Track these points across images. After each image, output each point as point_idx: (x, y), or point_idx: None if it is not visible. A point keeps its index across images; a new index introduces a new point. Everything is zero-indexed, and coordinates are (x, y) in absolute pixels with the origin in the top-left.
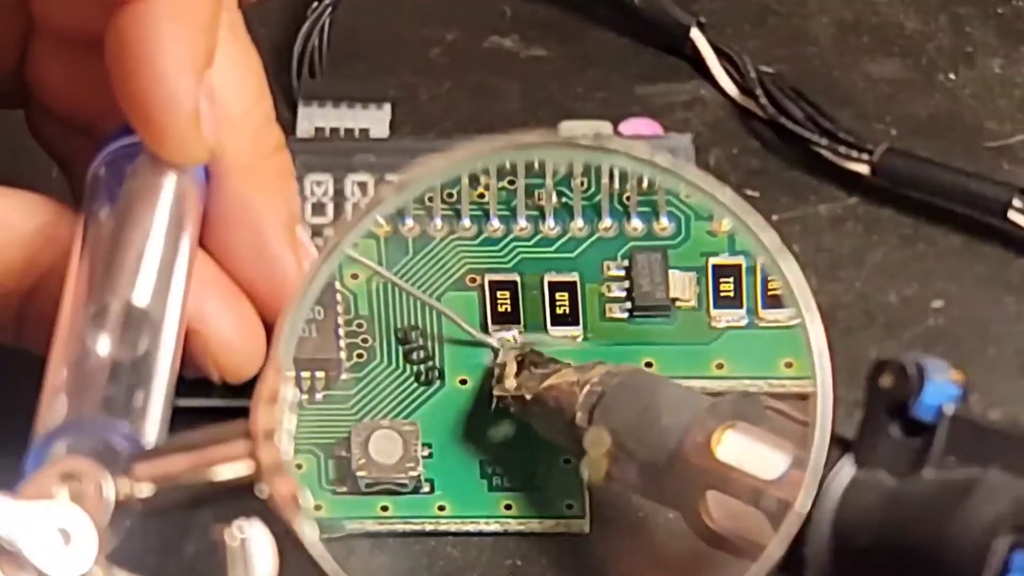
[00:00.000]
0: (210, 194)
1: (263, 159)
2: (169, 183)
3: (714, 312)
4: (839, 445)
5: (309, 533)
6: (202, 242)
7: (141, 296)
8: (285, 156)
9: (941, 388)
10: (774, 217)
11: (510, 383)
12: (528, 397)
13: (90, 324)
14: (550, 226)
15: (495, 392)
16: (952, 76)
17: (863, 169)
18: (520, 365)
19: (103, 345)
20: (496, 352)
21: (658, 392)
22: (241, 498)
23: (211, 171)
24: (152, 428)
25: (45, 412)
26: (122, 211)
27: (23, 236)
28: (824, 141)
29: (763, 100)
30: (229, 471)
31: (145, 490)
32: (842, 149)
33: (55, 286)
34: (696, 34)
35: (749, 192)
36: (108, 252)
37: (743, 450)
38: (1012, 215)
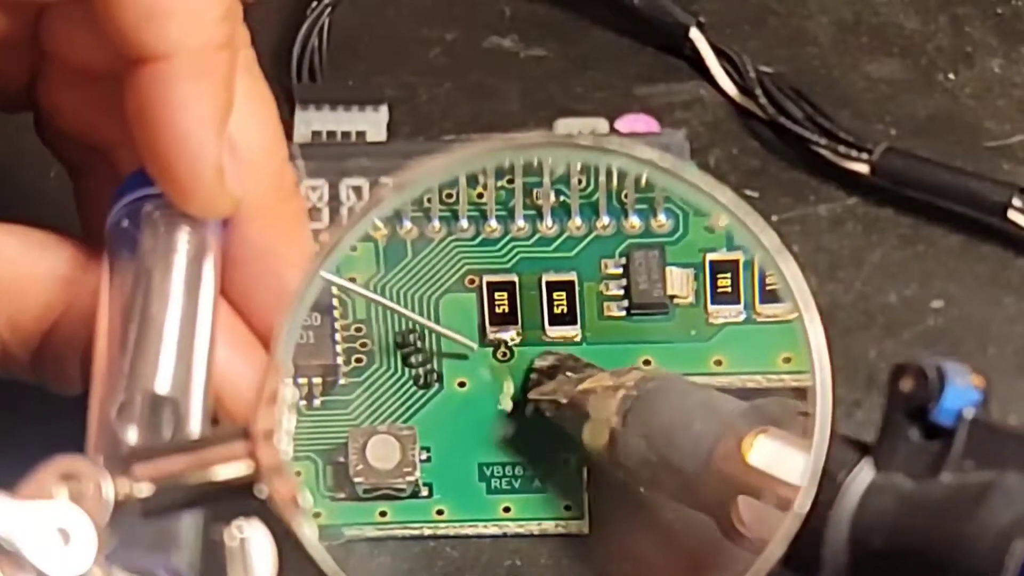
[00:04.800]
0: (229, 239)
1: (281, 202)
2: (192, 237)
3: (712, 308)
4: (858, 448)
5: (309, 533)
6: (221, 287)
7: (163, 384)
8: (300, 199)
9: (961, 392)
10: (774, 217)
11: (547, 387)
12: (563, 401)
13: (117, 416)
14: (548, 225)
15: (530, 396)
16: (952, 76)
17: (863, 169)
18: (556, 370)
19: (131, 435)
20: (471, 355)
21: (692, 397)
22: (241, 498)
23: (231, 217)
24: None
25: None
26: (143, 275)
27: (41, 276)
28: (824, 141)
29: (763, 100)
30: (228, 471)
31: (145, 490)
32: (842, 149)
33: (72, 327)
34: (696, 34)
35: (749, 192)
36: (131, 325)
37: (775, 455)
38: (1012, 215)
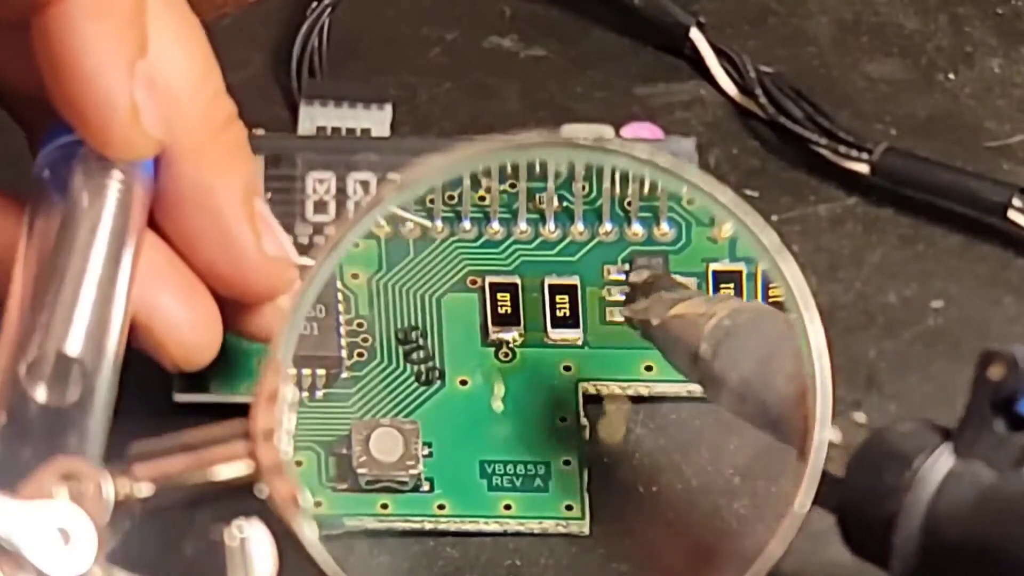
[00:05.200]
0: (162, 177)
1: (214, 136)
2: (115, 181)
3: None
4: (939, 432)
5: (308, 533)
6: (158, 224)
7: (73, 346)
8: (238, 128)
9: None
10: (774, 217)
11: (640, 305)
12: (655, 322)
13: (26, 372)
14: (551, 229)
15: (623, 312)
16: (952, 76)
17: (863, 169)
18: (650, 287)
19: (40, 393)
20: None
21: (786, 335)
22: (241, 498)
23: (162, 155)
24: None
25: None
26: (64, 226)
27: None
28: (824, 141)
29: (763, 100)
30: (228, 471)
31: (145, 490)
32: (842, 149)
33: None
34: (696, 34)
35: (749, 192)
36: (48, 281)
37: None
38: (1012, 215)
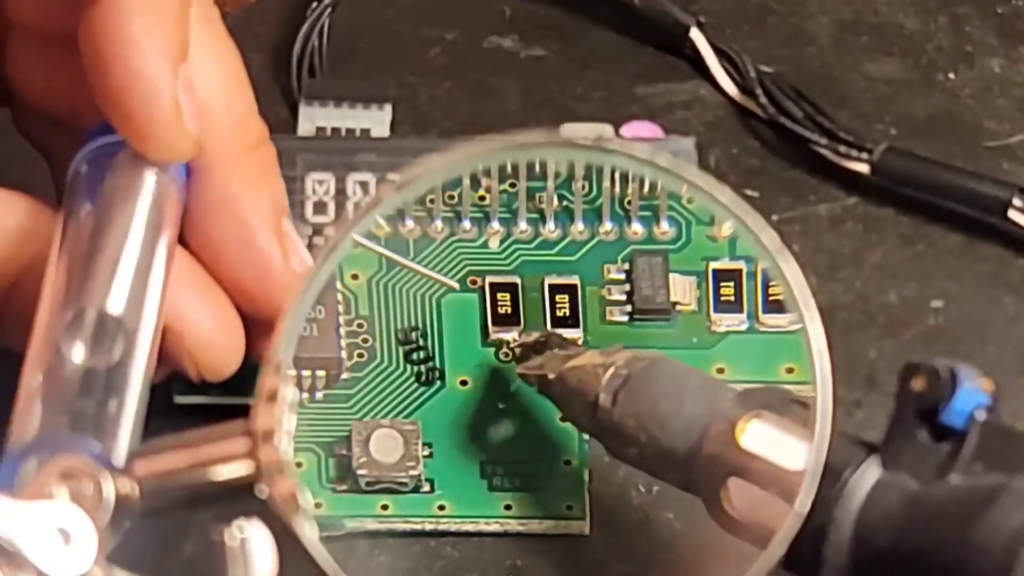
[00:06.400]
0: (193, 189)
1: (246, 152)
2: (150, 181)
3: (714, 316)
4: (864, 446)
5: (309, 533)
6: (186, 237)
7: (116, 304)
8: (269, 149)
9: (972, 394)
10: (774, 217)
11: (534, 362)
12: (551, 376)
13: (65, 331)
14: (551, 229)
15: (518, 369)
16: (952, 76)
17: (863, 169)
18: (544, 345)
19: (78, 353)
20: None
21: (685, 379)
22: (241, 498)
23: (193, 166)
24: (123, 443)
25: (19, 420)
26: (101, 212)
27: (2, 233)
28: (824, 141)
29: (763, 100)
30: (229, 471)
31: (145, 490)
32: (842, 149)
33: (35, 284)
34: (696, 34)
35: (749, 192)
36: (86, 255)
37: (768, 440)
38: (1012, 215)
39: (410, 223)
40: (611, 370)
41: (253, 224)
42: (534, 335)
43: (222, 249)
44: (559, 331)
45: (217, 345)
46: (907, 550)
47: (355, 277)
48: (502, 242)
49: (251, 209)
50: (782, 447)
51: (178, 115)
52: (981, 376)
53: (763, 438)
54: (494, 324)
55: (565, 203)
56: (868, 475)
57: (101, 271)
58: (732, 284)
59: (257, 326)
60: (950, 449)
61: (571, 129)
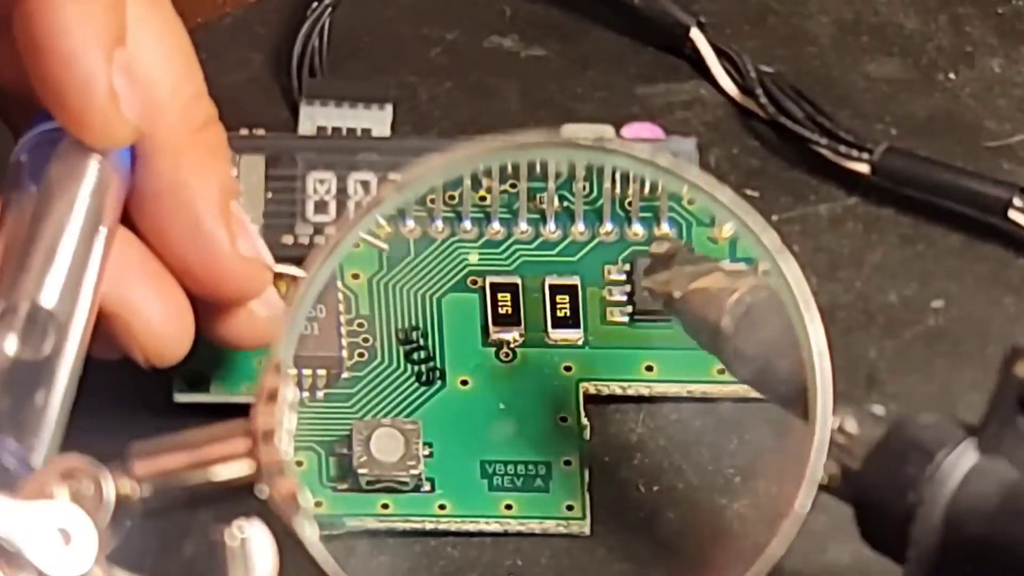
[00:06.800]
0: (140, 173)
1: (192, 135)
2: (92, 168)
3: None
4: (963, 428)
5: (309, 533)
6: (135, 221)
7: (49, 298)
8: (217, 131)
9: None
10: (774, 217)
11: (661, 276)
12: (677, 295)
13: None
14: (551, 229)
15: (644, 284)
16: (952, 76)
17: (863, 169)
18: (671, 259)
19: (9, 345)
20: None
21: None
22: (241, 498)
23: (139, 150)
24: (44, 442)
25: None
26: (41, 200)
27: None
28: (824, 141)
29: (763, 100)
30: (229, 471)
31: (145, 490)
32: (842, 149)
33: None
34: (696, 34)
35: (749, 192)
36: (23, 246)
37: None
38: (1012, 215)
39: (411, 223)
40: (735, 296)
41: (199, 208)
42: (665, 246)
43: (169, 233)
44: (687, 243)
45: (165, 332)
46: (999, 539)
47: (356, 276)
48: (502, 242)
49: (198, 193)
50: None
51: (114, 102)
52: None
53: None
54: (494, 324)
55: (566, 204)
56: (964, 459)
57: (36, 263)
58: None
59: (210, 308)
60: None
61: (571, 129)
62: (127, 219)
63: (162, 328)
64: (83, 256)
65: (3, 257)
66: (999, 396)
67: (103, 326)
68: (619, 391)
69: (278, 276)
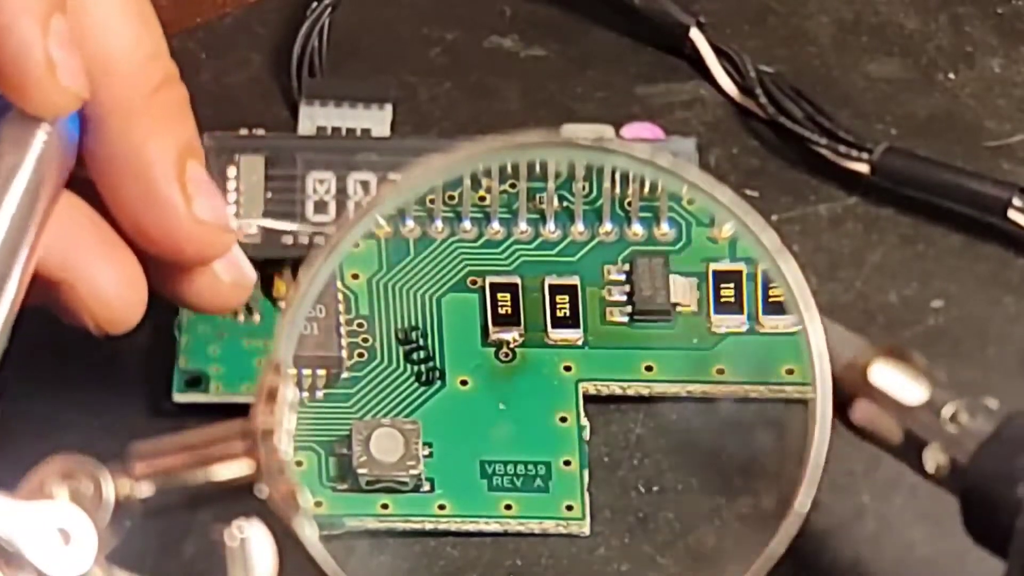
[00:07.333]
0: (93, 136)
1: (148, 96)
2: (38, 136)
3: (715, 317)
4: None
5: (309, 533)
6: (94, 183)
7: None
8: (176, 90)
9: None
10: (774, 217)
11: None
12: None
13: None
14: (551, 229)
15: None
16: (952, 76)
17: (863, 169)
18: None
19: None
20: None
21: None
22: (241, 498)
23: (92, 113)
24: None
25: None
26: None
27: None
28: (824, 141)
29: (763, 100)
30: (228, 471)
31: (145, 490)
32: (842, 148)
33: None
34: (696, 34)
35: (749, 192)
36: None
37: (889, 378)
38: (1012, 214)
39: (410, 223)
40: None
41: (154, 171)
42: None
43: (123, 196)
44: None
45: (116, 299)
46: None
47: (355, 276)
48: (502, 242)
49: (153, 156)
50: (899, 385)
51: (50, 71)
52: None
53: (885, 376)
54: (494, 324)
55: (565, 204)
56: None
57: None
58: (732, 285)
59: (172, 270)
60: None
61: (571, 129)
62: (88, 180)
63: (113, 294)
64: (21, 225)
65: None
66: None
67: (52, 294)
68: (619, 391)
69: (278, 276)
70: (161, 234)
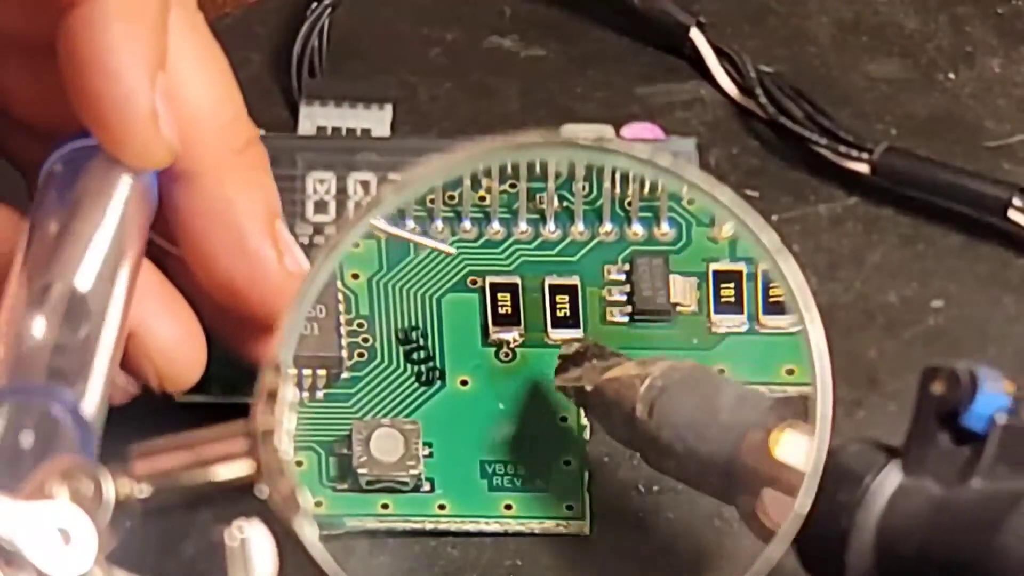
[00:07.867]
0: (184, 193)
1: (235, 155)
2: (123, 186)
3: (715, 317)
4: (885, 450)
5: (309, 533)
6: (177, 242)
7: (84, 281)
8: (259, 151)
9: (993, 397)
10: (774, 217)
11: (572, 374)
12: (588, 388)
13: (30, 305)
14: (551, 229)
15: (556, 382)
16: (952, 76)
17: (863, 169)
18: (581, 357)
19: (39, 326)
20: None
21: (720, 390)
22: (241, 498)
23: (182, 171)
24: (91, 404)
25: None
26: (72, 205)
27: None
28: (824, 141)
29: (763, 100)
30: (229, 471)
31: (145, 490)
32: (842, 148)
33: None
34: (696, 34)
35: (749, 192)
36: (55, 240)
37: (801, 450)
38: (1012, 214)
39: (410, 223)
40: (647, 381)
41: (246, 227)
42: (574, 346)
43: (214, 253)
44: (598, 342)
45: (179, 355)
46: (931, 556)
47: (355, 276)
48: (502, 242)
49: (243, 212)
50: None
51: (154, 122)
52: (1004, 379)
53: (796, 448)
54: (494, 324)
55: (565, 204)
56: (889, 480)
57: (71, 251)
58: (732, 285)
59: (251, 328)
60: (971, 453)
61: (571, 129)
62: (171, 239)
63: (176, 350)
64: (116, 254)
65: (35, 256)
66: (919, 416)
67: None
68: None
69: None
70: (252, 289)
